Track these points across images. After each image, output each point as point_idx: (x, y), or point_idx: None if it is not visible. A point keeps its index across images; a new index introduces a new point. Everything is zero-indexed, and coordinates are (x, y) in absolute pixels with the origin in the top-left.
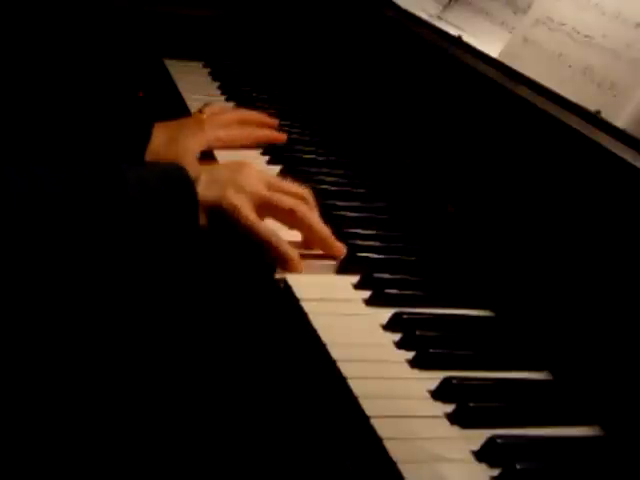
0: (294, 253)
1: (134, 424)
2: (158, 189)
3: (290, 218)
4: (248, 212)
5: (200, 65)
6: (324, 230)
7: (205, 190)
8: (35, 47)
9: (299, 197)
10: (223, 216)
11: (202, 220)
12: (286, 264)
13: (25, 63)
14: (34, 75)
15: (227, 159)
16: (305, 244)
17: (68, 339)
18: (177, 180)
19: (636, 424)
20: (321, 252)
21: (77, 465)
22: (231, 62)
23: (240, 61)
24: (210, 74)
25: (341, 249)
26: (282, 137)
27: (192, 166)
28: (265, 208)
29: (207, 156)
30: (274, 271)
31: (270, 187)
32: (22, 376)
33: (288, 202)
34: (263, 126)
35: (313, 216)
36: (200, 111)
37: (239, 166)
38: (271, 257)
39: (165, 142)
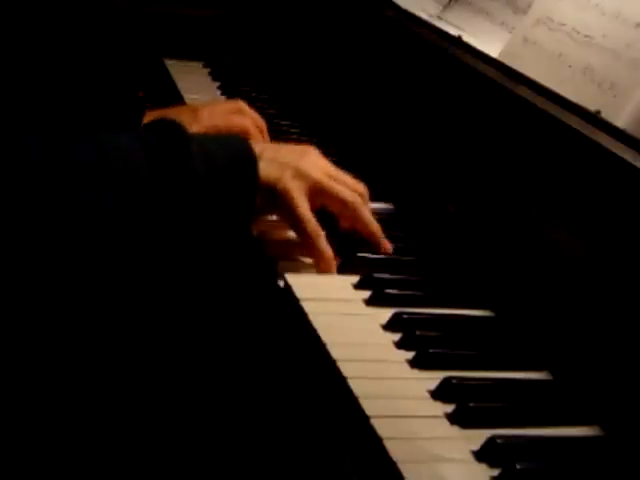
0: (331, 253)
1: (134, 424)
2: (222, 164)
3: (344, 210)
4: (301, 200)
5: (200, 65)
6: (374, 225)
7: (265, 168)
8: (34, 47)
9: (356, 191)
10: (275, 197)
11: (257, 198)
12: (320, 262)
13: (24, 63)
14: (33, 75)
15: None
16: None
17: (71, 338)
18: (242, 157)
19: (636, 424)
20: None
21: (77, 465)
22: (231, 62)
23: (240, 61)
24: (210, 74)
25: (388, 246)
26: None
27: (258, 143)
28: (320, 195)
29: None
30: (274, 270)
31: (330, 176)
32: (23, 375)
33: (345, 193)
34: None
35: (365, 211)
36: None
37: (303, 151)
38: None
39: None
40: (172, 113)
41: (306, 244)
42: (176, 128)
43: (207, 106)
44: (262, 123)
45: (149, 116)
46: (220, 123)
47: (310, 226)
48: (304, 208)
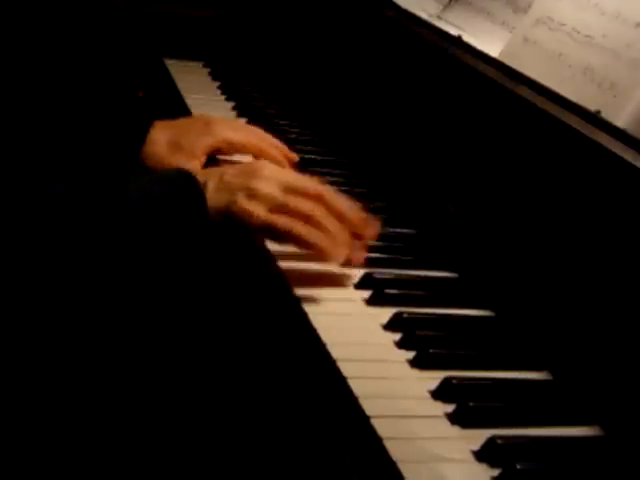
0: (324, 240)
1: (134, 424)
2: (163, 199)
3: (307, 222)
4: (260, 210)
5: (200, 65)
6: (343, 231)
7: (214, 195)
8: (35, 47)
9: (317, 196)
10: (235, 221)
11: (213, 225)
12: (320, 253)
13: (25, 63)
14: (34, 75)
15: None
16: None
17: (68, 338)
18: (184, 187)
19: (636, 424)
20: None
21: (77, 465)
22: (231, 62)
23: (240, 61)
24: (210, 74)
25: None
26: (294, 157)
27: (200, 171)
28: (280, 212)
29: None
30: (273, 264)
31: (286, 189)
32: (22, 376)
33: (305, 207)
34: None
35: (329, 219)
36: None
37: (252, 169)
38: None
39: (167, 147)
40: (183, 124)
41: (294, 241)
42: (114, 177)
43: (221, 120)
44: (282, 146)
45: (158, 128)
46: (234, 138)
47: (281, 224)
48: (265, 214)
